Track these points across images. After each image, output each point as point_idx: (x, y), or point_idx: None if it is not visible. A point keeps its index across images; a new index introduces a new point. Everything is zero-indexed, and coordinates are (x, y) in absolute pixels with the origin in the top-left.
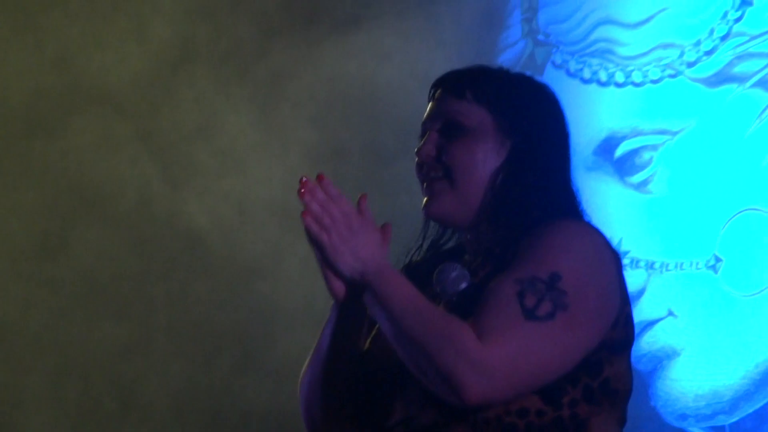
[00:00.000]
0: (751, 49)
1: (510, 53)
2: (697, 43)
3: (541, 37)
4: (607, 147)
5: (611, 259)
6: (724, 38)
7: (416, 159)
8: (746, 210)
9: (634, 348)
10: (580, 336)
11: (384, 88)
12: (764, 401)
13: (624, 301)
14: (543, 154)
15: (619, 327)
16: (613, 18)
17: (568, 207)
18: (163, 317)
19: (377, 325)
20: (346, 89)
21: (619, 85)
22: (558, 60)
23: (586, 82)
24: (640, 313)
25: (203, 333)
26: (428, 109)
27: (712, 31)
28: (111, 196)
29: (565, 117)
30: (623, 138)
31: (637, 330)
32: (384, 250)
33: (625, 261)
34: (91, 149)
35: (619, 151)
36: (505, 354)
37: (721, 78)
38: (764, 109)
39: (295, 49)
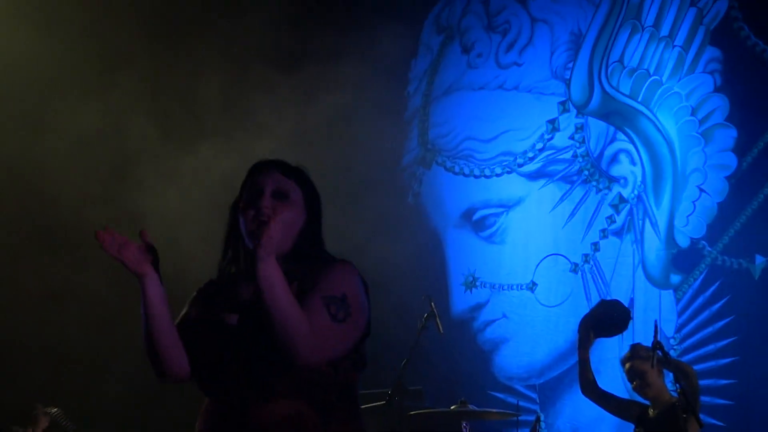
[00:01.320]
0: (557, 158)
1: (411, 154)
2: (524, 152)
3: (429, 146)
4: (468, 213)
5: (365, 287)
6: (541, 150)
7: (250, 212)
8: (551, 255)
9: (479, 337)
10: (356, 332)
11: None
12: (561, 370)
13: (369, 313)
14: (318, 219)
15: (367, 327)
16: (474, 136)
17: (324, 250)
18: None
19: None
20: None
21: (476, 177)
22: (439, 160)
23: (456, 174)
24: (486, 315)
25: None
26: (262, 176)
27: (534, 146)
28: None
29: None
30: (478, 209)
31: (482, 326)
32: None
33: (477, 284)
34: None
35: (475, 216)
36: (322, 342)
37: (539, 174)
38: (564, 194)
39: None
